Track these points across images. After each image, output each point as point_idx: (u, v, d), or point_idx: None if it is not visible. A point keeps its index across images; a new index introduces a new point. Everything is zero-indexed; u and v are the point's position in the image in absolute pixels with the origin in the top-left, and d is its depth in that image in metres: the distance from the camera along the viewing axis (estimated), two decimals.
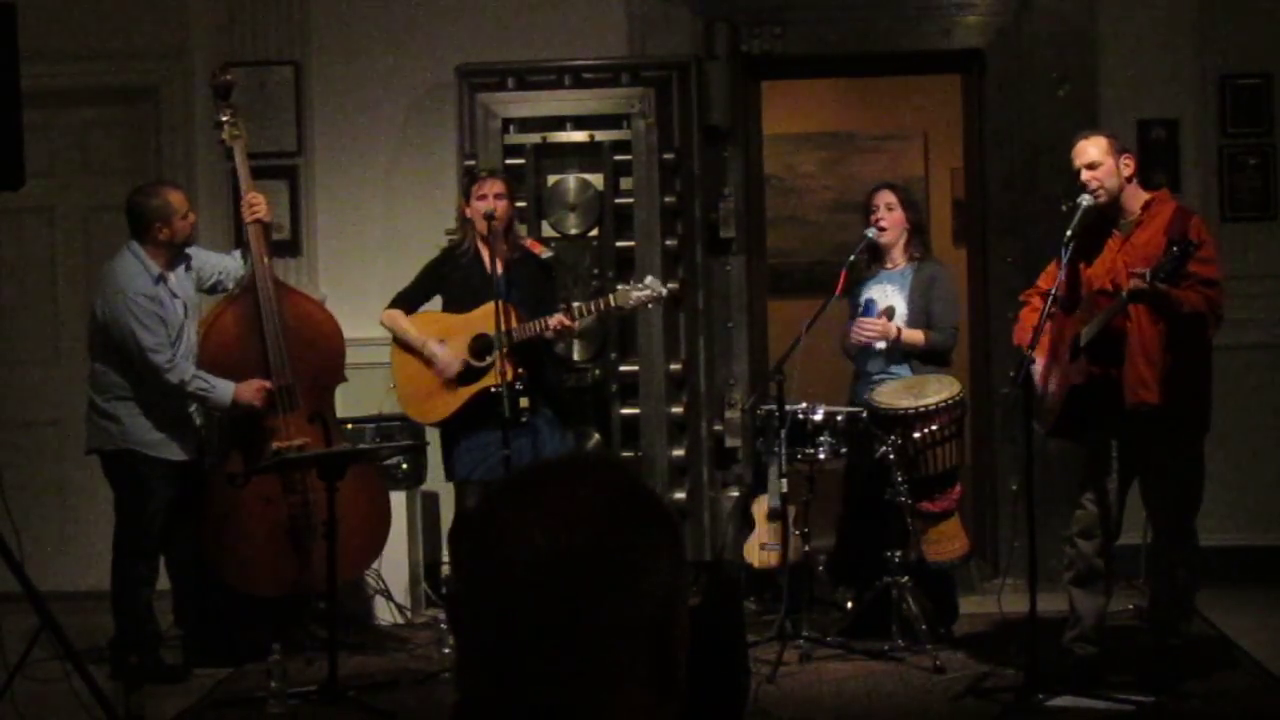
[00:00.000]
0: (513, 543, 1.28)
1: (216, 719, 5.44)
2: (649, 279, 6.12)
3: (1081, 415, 5.35)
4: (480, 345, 6.06)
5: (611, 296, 6.07)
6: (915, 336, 6.12)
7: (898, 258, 6.28)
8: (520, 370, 5.95)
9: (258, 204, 6.06)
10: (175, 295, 5.91)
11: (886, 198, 6.27)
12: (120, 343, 5.81)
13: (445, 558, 6.93)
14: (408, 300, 6.25)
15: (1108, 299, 5.21)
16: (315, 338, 6.16)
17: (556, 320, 5.97)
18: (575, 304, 6.09)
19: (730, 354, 7.23)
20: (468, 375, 6.10)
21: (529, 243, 6.34)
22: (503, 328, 5.81)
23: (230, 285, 6.17)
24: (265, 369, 5.96)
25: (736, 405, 7.05)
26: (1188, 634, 5.48)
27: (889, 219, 6.22)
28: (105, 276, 5.93)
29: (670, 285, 6.21)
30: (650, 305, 6.23)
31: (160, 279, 5.87)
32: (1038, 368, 5.37)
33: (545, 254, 6.31)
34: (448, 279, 6.24)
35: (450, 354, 6.09)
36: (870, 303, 6.25)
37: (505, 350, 5.84)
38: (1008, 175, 7.19)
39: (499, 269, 5.96)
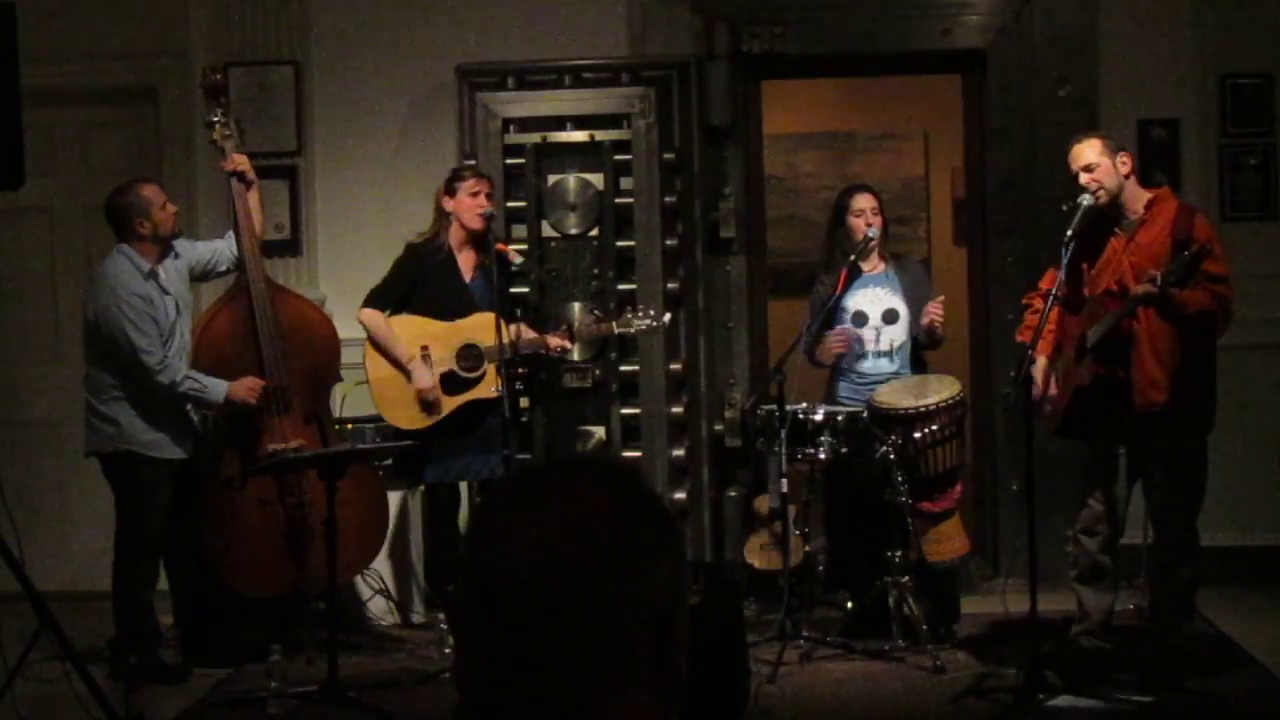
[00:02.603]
0: (513, 543, 1.28)
1: (216, 719, 5.44)
2: (651, 311, 6.24)
3: (1088, 415, 5.35)
4: (470, 356, 6.07)
5: (614, 324, 6.18)
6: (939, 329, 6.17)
7: (875, 261, 6.30)
8: (520, 370, 5.97)
9: (241, 159, 6.03)
10: (167, 292, 5.91)
11: (871, 201, 6.28)
12: (112, 343, 5.80)
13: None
14: (385, 299, 6.26)
15: (1114, 300, 5.20)
16: (310, 338, 6.15)
17: (556, 344, 6.05)
18: (579, 323, 6.15)
19: (730, 354, 7.23)
20: (456, 385, 6.12)
21: (499, 245, 6.35)
22: (504, 340, 5.83)
23: (223, 267, 6.17)
24: (260, 371, 5.96)
25: (736, 405, 7.05)
26: (1188, 634, 5.48)
27: (877, 222, 6.24)
28: (96, 278, 5.94)
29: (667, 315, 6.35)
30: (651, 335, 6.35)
31: (151, 274, 5.88)
32: (1039, 369, 5.37)
33: (516, 260, 6.34)
34: (421, 279, 6.24)
35: (431, 379, 6.10)
36: (860, 314, 6.25)
37: (502, 362, 5.89)
38: (1008, 175, 7.18)
39: (469, 274, 6.05)
